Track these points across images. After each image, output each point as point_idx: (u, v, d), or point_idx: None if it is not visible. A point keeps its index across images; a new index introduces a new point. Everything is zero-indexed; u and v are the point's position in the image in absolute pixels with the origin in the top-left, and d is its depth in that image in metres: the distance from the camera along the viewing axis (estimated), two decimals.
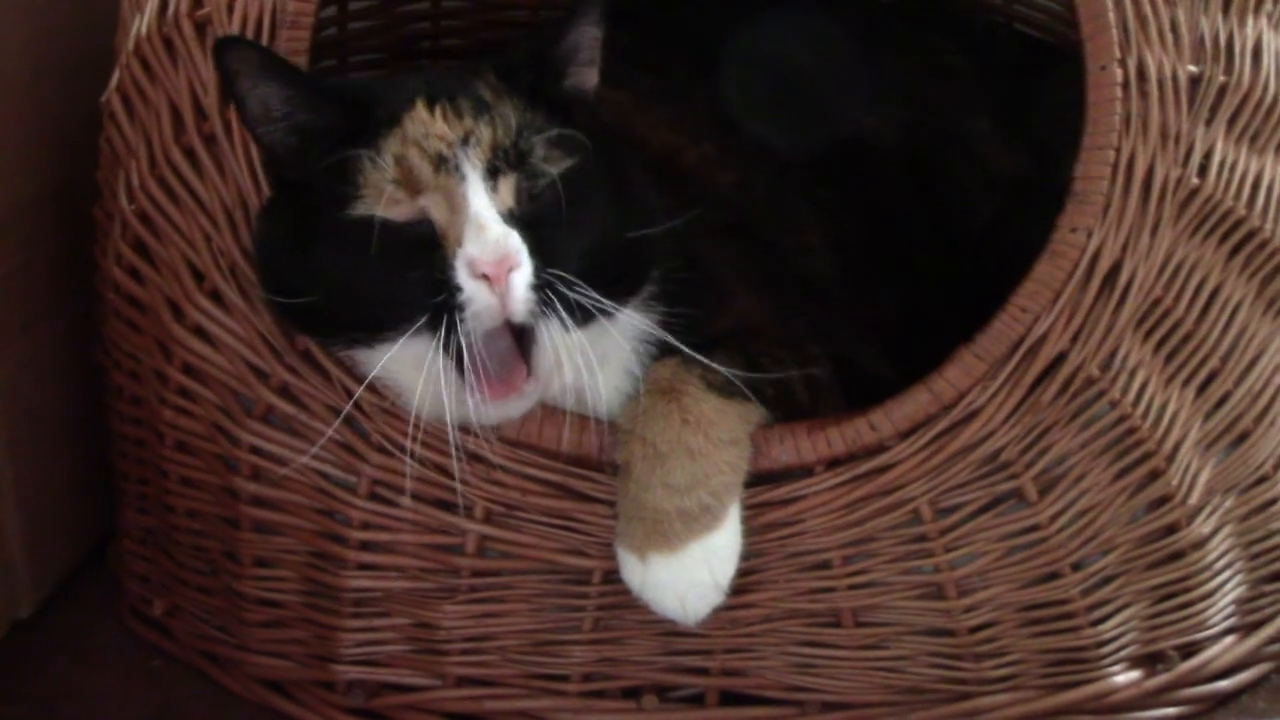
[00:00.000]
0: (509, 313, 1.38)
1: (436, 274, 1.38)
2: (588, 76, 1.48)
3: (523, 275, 1.37)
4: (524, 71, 1.45)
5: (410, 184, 1.38)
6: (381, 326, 1.41)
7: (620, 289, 1.45)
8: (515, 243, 1.37)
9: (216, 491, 1.63)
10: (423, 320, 1.38)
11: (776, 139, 1.77)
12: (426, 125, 1.40)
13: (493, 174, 1.38)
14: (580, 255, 1.41)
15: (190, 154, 1.57)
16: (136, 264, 1.62)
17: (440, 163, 1.38)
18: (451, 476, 1.52)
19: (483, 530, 1.55)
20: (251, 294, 1.53)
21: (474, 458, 1.53)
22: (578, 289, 1.39)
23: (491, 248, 1.36)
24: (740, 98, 1.79)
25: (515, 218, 1.39)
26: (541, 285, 1.38)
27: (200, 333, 1.58)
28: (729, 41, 1.84)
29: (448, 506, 1.55)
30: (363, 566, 1.59)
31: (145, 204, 1.60)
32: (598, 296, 1.40)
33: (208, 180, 1.55)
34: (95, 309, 1.74)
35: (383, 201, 1.38)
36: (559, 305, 1.38)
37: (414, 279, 1.39)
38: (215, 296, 1.57)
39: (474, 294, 1.37)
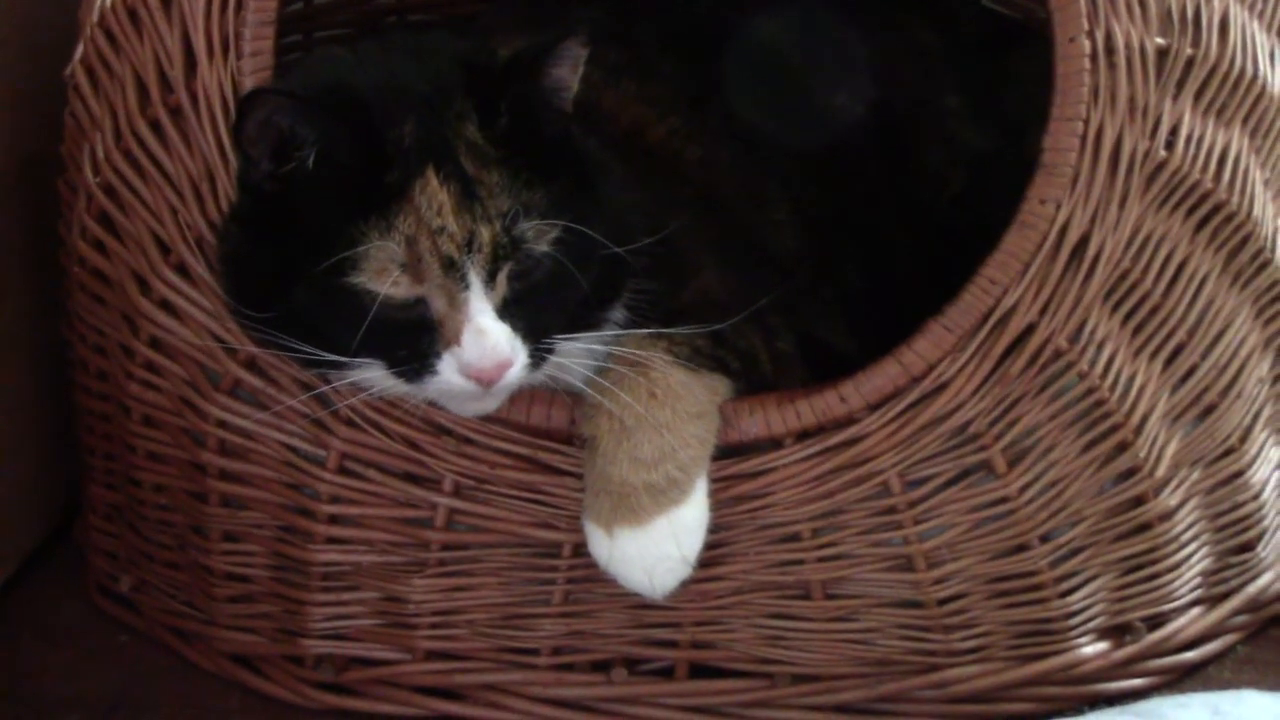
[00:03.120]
0: (493, 392, 1.41)
1: (425, 349, 1.39)
2: (569, 97, 1.46)
3: (516, 369, 1.39)
4: (507, 120, 1.42)
5: (416, 273, 1.37)
6: (348, 366, 1.42)
7: (600, 307, 1.48)
8: (511, 347, 1.38)
9: (184, 466, 1.62)
10: (395, 369, 1.40)
11: (746, 114, 1.76)
12: (440, 210, 1.37)
13: (492, 275, 1.38)
14: (568, 308, 1.44)
15: (156, 126, 1.56)
16: (102, 237, 1.61)
17: (449, 265, 1.37)
18: (421, 450, 1.53)
19: (452, 503, 1.55)
20: (216, 263, 1.52)
21: (443, 431, 1.53)
22: (563, 338, 1.43)
23: (490, 353, 1.37)
24: (710, 73, 1.78)
25: (508, 304, 1.39)
26: (534, 359, 1.41)
27: (166, 306, 1.57)
28: (698, 16, 1.84)
29: (417, 480, 1.55)
30: (331, 540, 1.58)
31: (110, 177, 1.59)
32: (580, 334, 1.45)
33: (174, 153, 1.55)
34: (60, 283, 1.73)
35: (386, 282, 1.37)
36: (545, 360, 1.42)
37: (397, 346, 1.39)
38: (181, 270, 1.56)
39: (458, 383, 1.39)
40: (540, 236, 1.39)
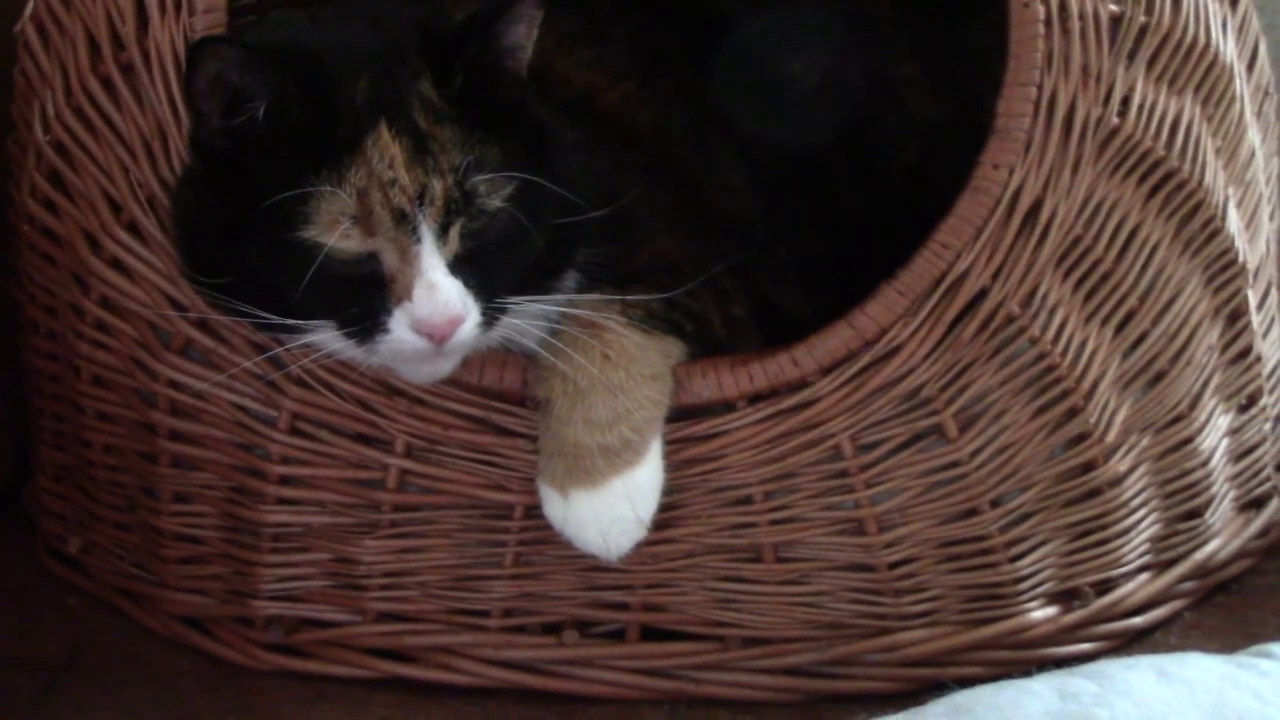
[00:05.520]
0: (445, 352, 1.40)
1: (376, 307, 1.38)
2: (524, 59, 1.45)
3: (468, 327, 1.38)
4: (461, 80, 1.41)
5: (367, 226, 1.37)
6: (300, 330, 1.41)
7: (553, 272, 1.48)
8: (463, 304, 1.37)
9: (134, 426, 1.61)
10: (346, 329, 1.40)
11: (700, 81, 1.76)
12: (392, 163, 1.37)
13: (444, 230, 1.38)
14: (520, 268, 1.43)
15: (107, 84, 1.55)
16: (52, 196, 1.60)
17: (401, 218, 1.37)
18: (373, 410, 1.52)
19: (404, 465, 1.55)
20: (170, 227, 1.51)
21: (395, 392, 1.52)
22: (516, 301, 1.42)
23: (441, 308, 1.37)
24: (663, 40, 1.78)
25: (460, 260, 1.39)
26: (486, 318, 1.40)
27: (117, 265, 1.56)
28: None
29: (369, 441, 1.55)
30: (282, 501, 1.58)
31: (61, 134, 1.58)
32: (534, 298, 1.44)
33: (125, 110, 1.54)
34: (9, 242, 1.71)
35: (336, 234, 1.36)
36: (498, 320, 1.41)
37: (348, 304, 1.39)
38: (133, 228, 1.55)
39: (410, 341, 1.38)
40: (493, 192, 1.39)
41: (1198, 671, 1.38)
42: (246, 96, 1.37)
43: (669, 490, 1.52)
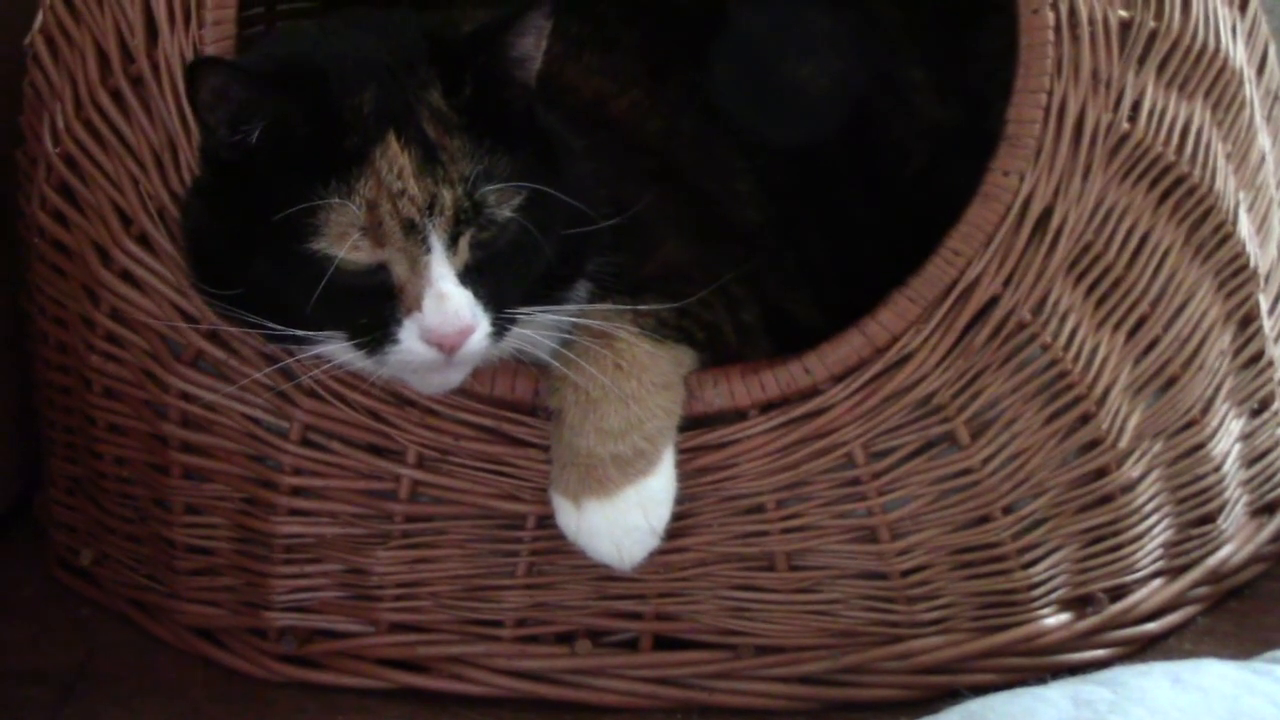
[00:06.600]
0: (456, 362, 1.40)
1: (386, 317, 1.38)
2: (533, 70, 1.45)
3: (478, 337, 1.38)
4: (470, 90, 1.41)
5: (376, 237, 1.37)
6: (310, 341, 1.41)
7: (564, 282, 1.48)
8: (473, 314, 1.37)
9: (145, 438, 1.61)
10: (356, 340, 1.39)
11: (708, 87, 1.76)
12: (401, 174, 1.37)
13: (454, 240, 1.38)
14: (530, 278, 1.43)
15: (117, 96, 1.55)
16: (62, 208, 1.60)
17: (410, 228, 1.37)
18: (384, 421, 1.52)
19: (415, 475, 1.55)
20: (180, 239, 1.51)
21: (406, 402, 1.52)
22: (526, 311, 1.42)
23: (451, 319, 1.37)
24: (672, 46, 1.78)
25: (470, 270, 1.39)
26: (496, 328, 1.40)
27: (128, 277, 1.56)
28: None
29: (380, 451, 1.55)
30: (295, 512, 1.58)
31: (71, 147, 1.58)
32: (545, 308, 1.44)
33: (135, 123, 1.54)
34: (19, 255, 1.71)
35: (346, 246, 1.36)
36: (508, 330, 1.41)
37: (358, 315, 1.39)
38: (143, 240, 1.55)
39: (420, 352, 1.38)
40: (503, 202, 1.39)
41: (1212, 678, 1.37)
42: (248, 115, 1.37)
43: (681, 499, 1.52)
